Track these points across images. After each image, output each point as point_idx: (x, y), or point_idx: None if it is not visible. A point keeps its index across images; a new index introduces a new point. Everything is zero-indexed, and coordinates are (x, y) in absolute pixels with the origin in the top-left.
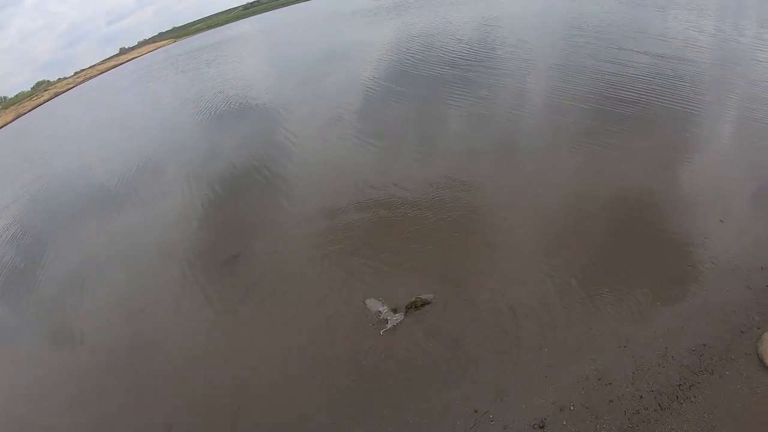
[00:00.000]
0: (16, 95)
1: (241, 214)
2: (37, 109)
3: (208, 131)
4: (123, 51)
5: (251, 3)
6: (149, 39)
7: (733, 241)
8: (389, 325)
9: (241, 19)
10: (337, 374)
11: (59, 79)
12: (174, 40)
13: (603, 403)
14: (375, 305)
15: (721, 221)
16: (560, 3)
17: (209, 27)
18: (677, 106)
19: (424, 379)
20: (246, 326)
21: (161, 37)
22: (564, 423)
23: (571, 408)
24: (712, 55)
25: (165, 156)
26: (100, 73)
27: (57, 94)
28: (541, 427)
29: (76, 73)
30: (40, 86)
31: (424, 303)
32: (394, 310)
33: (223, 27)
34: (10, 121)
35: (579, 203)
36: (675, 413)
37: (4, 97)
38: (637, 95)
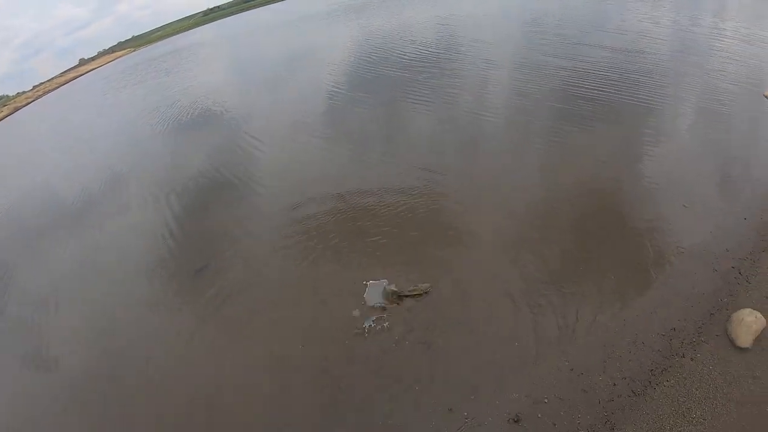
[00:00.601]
0: None
1: (208, 223)
2: None
3: (169, 141)
4: (82, 62)
5: (211, 9)
6: (108, 49)
7: (697, 226)
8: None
9: (202, 25)
10: (311, 383)
11: (18, 94)
12: (134, 49)
13: (577, 394)
14: (374, 292)
15: (685, 206)
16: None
17: (169, 35)
18: (636, 100)
19: (396, 381)
20: (219, 338)
21: (121, 46)
22: (539, 416)
23: (545, 401)
24: (668, 47)
25: (127, 169)
26: (60, 86)
27: (17, 109)
28: (516, 421)
29: (35, 87)
30: None
31: (425, 292)
32: (394, 293)
33: (183, 34)
34: None
35: (545, 199)
36: (649, 398)
37: None
38: (597, 90)
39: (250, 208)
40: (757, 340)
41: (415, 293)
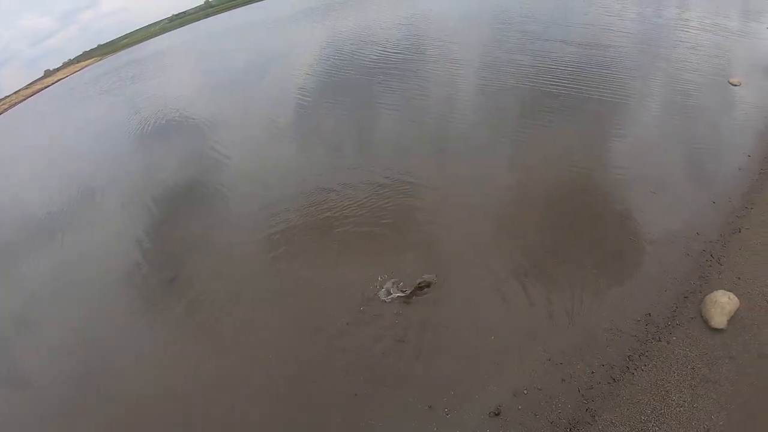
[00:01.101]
0: None
1: (177, 233)
2: None
3: (136, 151)
4: (48, 73)
5: (177, 15)
6: (74, 59)
7: (667, 212)
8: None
9: (168, 31)
10: (291, 385)
11: None
12: (100, 57)
13: (556, 383)
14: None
15: (653, 193)
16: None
17: (135, 42)
18: (603, 93)
19: (373, 381)
20: (192, 348)
21: (87, 55)
22: (519, 407)
23: (525, 392)
24: (633, 39)
25: (94, 181)
26: (26, 98)
27: None
28: (496, 414)
29: (0, 100)
30: None
31: (428, 284)
32: (403, 291)
33: (150, 41)
34: None
35: (516, 194)
36: (628, 383)
37: None
38: (563, 86)
39: (218, 214)
40: (732, 320)
41: (423, 285)
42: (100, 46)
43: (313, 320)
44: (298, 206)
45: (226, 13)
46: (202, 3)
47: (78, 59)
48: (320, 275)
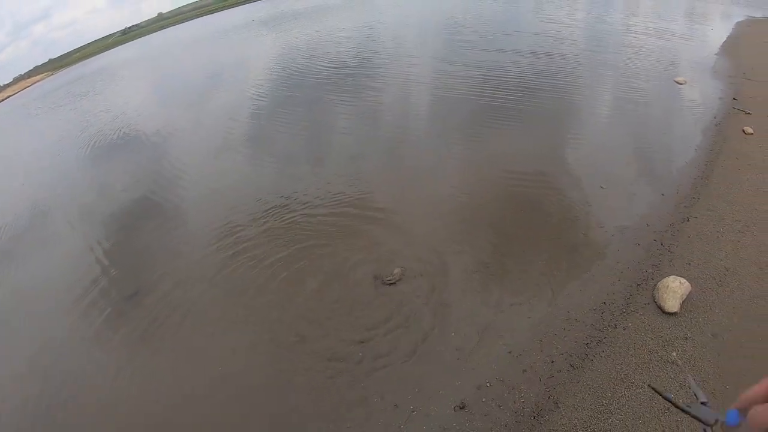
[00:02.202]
0: None
1: (135, 249)
2: None
3: (89, 168)
4: None
5: (130, 27)
6: (25, 74)
7: (617, 205)
8: None
9: (121, 45)
10: (257, 396)
11: None
12: (51, 72)
13: (517, 375)
14: None
15: (602, 188)
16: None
17: (88, 55)
18: (552, 99)
19: (335, 384)
20: (155, 364)
21: (38, 70)
22: (484, 400)
23: (488, 384)
24: (580, 46)
25: (46, 200)
26: None
27: None
28: (462, 408)
29: None
30: None
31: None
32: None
33: (102, 54)
34: None
35: (470, 198)
36: (587, 370)
37: None
38: (513, 94)
39: (176, 229)
40: (684, 303)
41: (392, 282)
42: (52, 61)
43: (273, 331)
44: (255, 217)
45: (179, 25)
46: (155, 15)
47: (29, 74)
48: (283, 286)
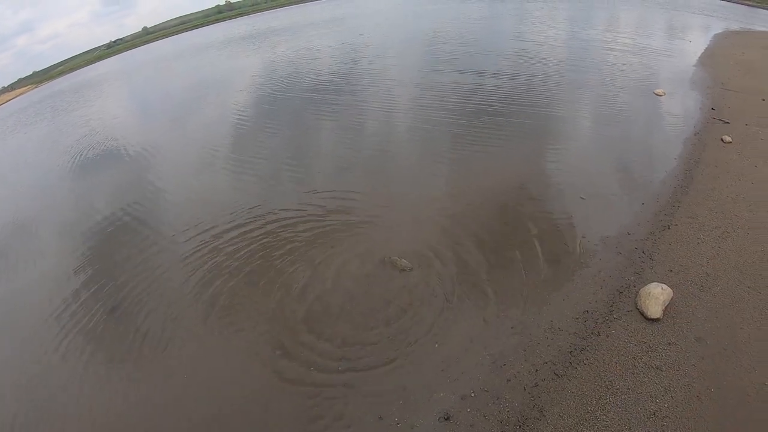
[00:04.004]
0: None
1: (116, 264)
2: None
3: (70, 183)
4: None
5: (114, 42)
6: (8, 86)
7: (598, 215)
8: None
9: (105, 58)
10: (239, 412)
11: None
12: (35, 85)
13: (502, 384)
14: None
15: (582, 198)
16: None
17: (72, 69)
18: (534, 115)
19: (320, 395)
20: (140, 379)
21: (22, 83)
22: (468, 410)
23: (472, 395)
24: (563, 65)
25: (24, 215)
26: None
27: None
28: (446, 419)
29: None
30: None
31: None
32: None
33: (87, 68)
34: None
35: (453, 210)
36: (572, 378)
37: None
38: (497, 112)
39: (158, 243)
40: (667, 309)
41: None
42: (35, 73)
43: (257, 345)
44: (237, 231)
45: (163, 40)
46: (140, 30)
47: (12, 87)
48: (265, 298)
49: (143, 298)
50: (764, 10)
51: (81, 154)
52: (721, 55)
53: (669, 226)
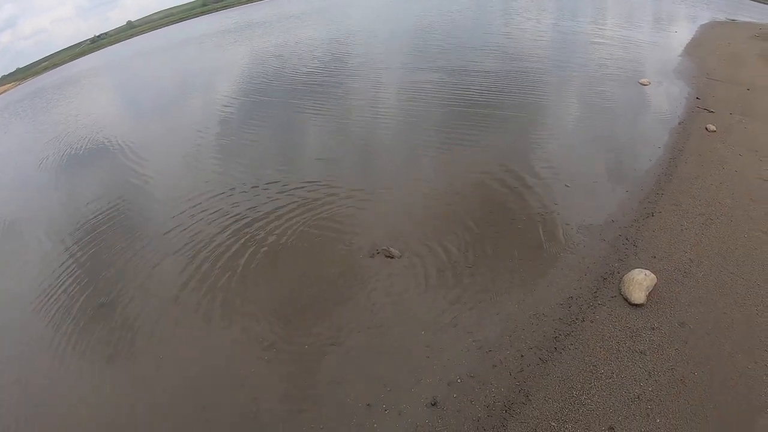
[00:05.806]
0: None
1: (104, 260)
2: None
3: (56, 180)
4: None
5: (98, 36)
6: None
7: (583, 203)
8: None
9: (90, 53)
10: (227, 405)
11: None
12: (19, 81)
13: (487, 370)
14: None
15: (567, 186)
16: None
17: (57, 64)
18: (521, 107)
19: (310, 387)
20: (131, 373)
21: (5, 80)
22: (455, 396)
23: (458, 381)
24: (549, 56)
25: (10, 213)
26: None
27: None
28: (433, 405)
29: None
30: None
31: (391, 255)
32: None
33: (71, 63)
34: None
35: (441, 201)
36: (557, 363)
37: None
38: (484, 103)
39: (145, 238)
40: (650, 295)
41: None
42: (18, 70)
43: (246, 342)
44: (229, 230)
45: (148, 33)
46: (125, 24)
47: None
48: (257, 295)
49: (132, 294)
50: (750, 1)
51: (66, 152)
52: (706, 45)
53: (653, 213)
